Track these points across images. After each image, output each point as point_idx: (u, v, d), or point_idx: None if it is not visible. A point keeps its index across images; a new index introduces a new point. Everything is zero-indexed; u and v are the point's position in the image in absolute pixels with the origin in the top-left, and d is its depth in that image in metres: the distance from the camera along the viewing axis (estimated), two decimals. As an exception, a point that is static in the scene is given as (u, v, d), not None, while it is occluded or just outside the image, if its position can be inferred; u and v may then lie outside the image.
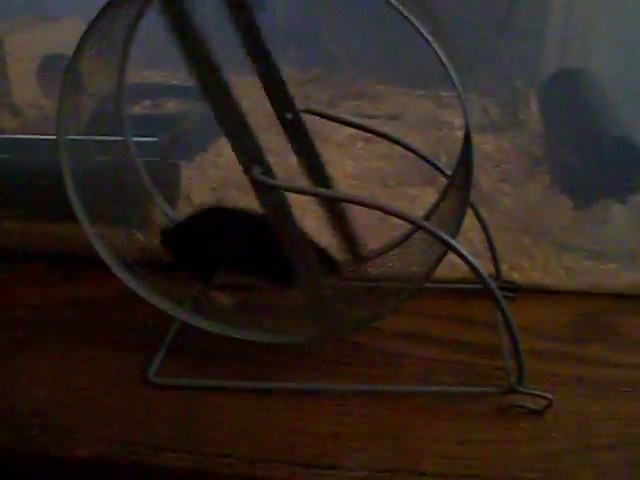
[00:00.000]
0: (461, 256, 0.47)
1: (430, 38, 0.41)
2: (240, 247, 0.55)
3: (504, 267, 0.63)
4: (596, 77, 0.81)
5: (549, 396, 0.49)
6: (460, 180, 0.52)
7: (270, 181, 0.47)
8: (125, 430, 0.49)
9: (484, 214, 0.61)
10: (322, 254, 0.54)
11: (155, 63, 0.94)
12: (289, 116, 0.54)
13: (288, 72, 0.98)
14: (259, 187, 0.47)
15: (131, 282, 0.54)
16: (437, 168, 0.59)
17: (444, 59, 0.42)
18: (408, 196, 0.72)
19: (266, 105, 0.89)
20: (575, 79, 0.82)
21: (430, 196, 0.65)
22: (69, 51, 0.49)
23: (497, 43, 0.85)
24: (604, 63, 0.80)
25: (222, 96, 0.45)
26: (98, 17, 0.47)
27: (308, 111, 0.55)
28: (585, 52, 0.84)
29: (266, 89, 0.53)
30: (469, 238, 0.65)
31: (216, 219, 0.55)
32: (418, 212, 0.61)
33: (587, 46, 0.83)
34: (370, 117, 0.85)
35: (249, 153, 0.47)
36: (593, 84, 0.80)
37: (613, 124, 0.72)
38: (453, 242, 0.47)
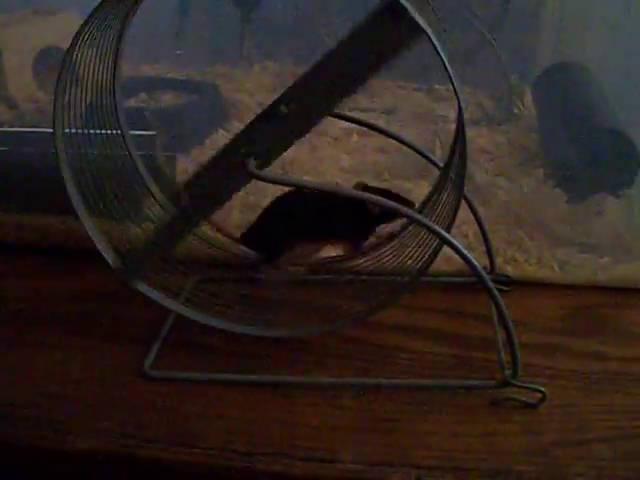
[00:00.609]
0: (455, 249, 0.47)
1: (429, 31, 0.41)
2: (307, 221, 0.56)
3: (499, 260, 0.63)
4: (590, 71, 0.81)
5: (543, 389, 0.49)
6: (454, 173, 0.52)
7: (264, 174, 0.47)
8: (122, 423, 0.49)
9: (479, 207, 0.62)
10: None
11: (151, 57, 0.94)
12: (284, 109, 0.54)
13: (284, 65, 0.99)
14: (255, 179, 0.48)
15: (126, 274, 0.54)
16: (431, 161, 0.59)
17: (442, 54, 0.42)
18: (403, 189, 0.72)
19: (261, 95, 0.90)
20: (569, 73, 0.83)
21: (424, 189, 0.65)
22: (65, 44, 0.49)
23: (492, 37, 0.85)
24: (599, 57, 0.80)
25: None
26: (96, 10, 0.47)
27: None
28: (580, 46, 0.84)
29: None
30: (464, 231, 0.66)
31: (283, 207, 0.57)
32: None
33: (582, 40, 0.84)
34: (365, 110, 0.85)
35: (245, 146, 0.47)
36: (587, 78, 0.80)
37: (607, 118, 0.72)
38: (447, 235, 0.47)
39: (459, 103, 0.45)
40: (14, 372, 0.54)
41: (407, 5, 0.40)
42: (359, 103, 0.89)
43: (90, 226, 0.53)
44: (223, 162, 0.51)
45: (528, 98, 0.87)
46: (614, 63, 0.79)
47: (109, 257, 0.53)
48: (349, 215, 0.55)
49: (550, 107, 0.81)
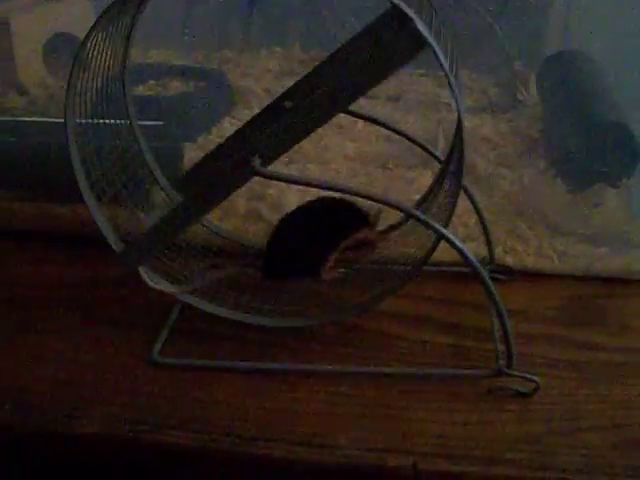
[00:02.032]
0: (451, 243, 0.48)
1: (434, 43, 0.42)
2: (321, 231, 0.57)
3: (498, 250, 0.64)
4: (595, 60, 0.81)
5: (537, 379, 0.50)
6: (454, 167, 0.53)
7: (270, 172, 0.48)
8: (129, 408, 0.50)
9: (480, 197, 0.62)
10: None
11: (159, 42, 0.95)
12: (288, 105, 0.55)
13: (291, 52, 0.99)
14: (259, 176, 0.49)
15: (129, 260, 0.55)
16: (430, 153, 0.60)
17: (445, 65, 0.43)
18: (406, 179, 0.73)
19: (268, 83, 0.91)
20: (574, 62, 0.83)
21: (428, 179, 0.66)
22: (75, 30, 0.50)
23: (496, 23, 0.86)
24: (604, 47, 0.81)
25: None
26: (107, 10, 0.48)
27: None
28: (585, 35, 0.84)
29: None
30: (465, 221, 0.67)
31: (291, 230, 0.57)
32: (415, 195, 0.63)
33: (587, 29, 0.84)
34: (370, 98, 0.85)
35: (249, 143, 0.48)
36: (592, 67, 0.81)
37: (610, 109, 0.73)
38: (444, 230, 0.49)
39: (457, 103, 0.45)
40: (23, 357, 0.56)
41: (410, 14, 0.41)
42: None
43: (96, 212, 0.54)
44: (227, 158, 0.52)
45: (533, 86, 0.87)
46: (619, 53, 0.79)
47: (113, 242, 0.55)
48: (347, 217, 0.56)
49: (554, 96, 0.81)
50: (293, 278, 0.58)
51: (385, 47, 0.44)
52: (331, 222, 0.56)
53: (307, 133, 0.48)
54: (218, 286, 0.58)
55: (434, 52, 0.42)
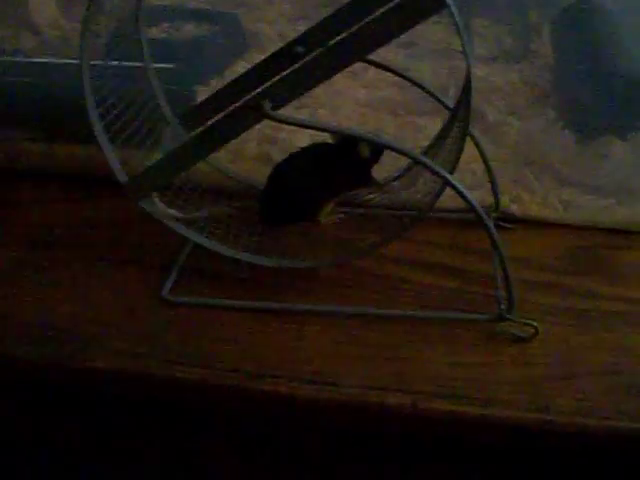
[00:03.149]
0: (456, 189, 0.49)
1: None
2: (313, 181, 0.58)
3: (504, 199, 0.65)
4: (610, 13, 0.80)
5: (536, 324, 0.52)
6: (462, 114, 0.53)
7: (281, 116, 0.49)
8: (140, 344, 0.52)
9: (489, 146, 0.63)
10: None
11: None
12: (300, 50, 0.55)
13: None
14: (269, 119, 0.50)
15: (146, 203, 0.56)
16: (440, 101, 0.60)
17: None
18: (416, 126, 0.74)
19: (282, 27, 0.90)
20: (589, 13, 0.82)
21: (438, 126, 0.67)
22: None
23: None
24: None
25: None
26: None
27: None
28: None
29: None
30: (473, 168, 0.67)
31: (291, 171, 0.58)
32: (424, 142, 0.64)
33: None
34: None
35: (261, 87, 0.49)
36: (606, 20, 0.80)
37: (622, 62, 0.73)
38: (449, 177, 0.49)
39: (465, 52, 0.46)
40: (38, 293, 0.58)
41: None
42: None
43: (105, 145, 0.55)
44: (237, 98, 0.53)
45: (546, 37, 0.87)
46: (635, 3, 0.79)
47: (118, 173, 0.56)
48: (345, 166, 0.57)
49: (567, 47, 0.81)
50: (290, 222, 0.59)
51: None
52: (329, 168, 0.57)
53: (320, 81, 0.49)
54: (217, 222, 0.59)
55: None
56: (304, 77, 0.49)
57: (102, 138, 0.55)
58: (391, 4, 0.46)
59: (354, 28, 0.47)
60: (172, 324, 0.54)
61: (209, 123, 0.53)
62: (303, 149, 0.59)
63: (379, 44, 0.47)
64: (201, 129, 0.53)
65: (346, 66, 0.48)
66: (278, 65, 0.56)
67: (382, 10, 0.46)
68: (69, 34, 0.83)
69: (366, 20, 0.46)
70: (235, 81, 0.60)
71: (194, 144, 0.53)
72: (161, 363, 0.51)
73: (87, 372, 0.51)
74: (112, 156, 0.55)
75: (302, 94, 0.49)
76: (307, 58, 0.49)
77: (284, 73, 0.50)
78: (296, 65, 0.49)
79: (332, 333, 0.53)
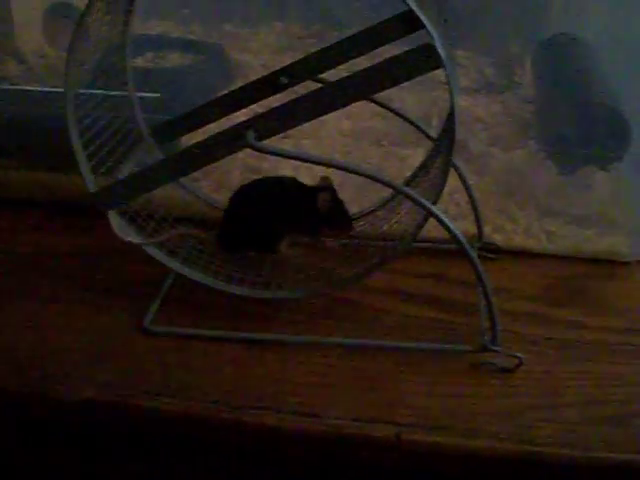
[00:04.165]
0: (439, 220, 0.50)
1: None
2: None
3: (488, 229, 0.65)
4: (590, 44, 0.81)
5: (520, 355, 0.52)
6: (445, 144, 0.54)
7: (264, 146, 0.49)
8: (121, 375, 0.52)
9: (472, 176, 0.63)
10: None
11: (158, 13, 0.95)
12: (284, 80, 0.55)
13: (290, 28, 0.99)
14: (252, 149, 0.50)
15: (129, 233, 0.56)
16: (423, 132, 0.61)
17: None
18: (400, 156, 0.74)
19: (267, 58, 0.91)
20: (569, 45, 0.83)
21: (421, 156, 0.67)
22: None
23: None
24: (600, 31, 0.81)
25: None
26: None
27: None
28: (582, 19, 0.84)
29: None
30: (456, 200, 0.68)
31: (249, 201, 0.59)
32: (408, 172, 0.64)
33: (584, 12, 0.84)
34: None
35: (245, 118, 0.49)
36: (587, 52, 0.81)
37: (602, 93, 0.74)
38: (432, 207, 0.50)
39: (450, 85, 0.46)
40: (17, 324, 0.57)
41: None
42: (361, 65, 0.90)
43: (91, 183, 0.55)
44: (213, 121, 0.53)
45: (529, 68, 0.88)
46: (614, 38, 0.80)
47: (88, 181, 0.55)
48: (300, 209, 0.58)
49: (548, 78, 0.82)
50: (247, 251, 0.59)
51: (400, 62, 0.47)
52: (285, 204, 0.58)
53: (307, 120, 0.49)
54: (182, 243, 0.59)
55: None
56: (290, 114, 0.49)
57: (84, 167, 0.55)
58: (388, 57, 0.47)
59: (347, 75, 0.48)
60: (153, 354, 0.54)
61: (189, 145, 0.53)
62: (265, 179, 0.60)
63: (371, 93, 0.49)
64: (182, 150, 0.54)
65: (334, 110, 0.49)
66: (260, 93, 0.56)
67: (379, 62, 0.47)
68: (55, 63, 0.83)
69: (363, 69, 0.47)
70: (216, 101, 0.60)
71: (171, 162, 0.53)
72: (142, 394, 0.50)
73: (66, 404, 0.50)
74: (84, 165, 0.55)
75: (287, 130, 0.50)
76: (297, 97, 0.49)
77: (272, 106, 0.50)
78: (284, 101, 0.50)
79: (315, 364, 0.53)
